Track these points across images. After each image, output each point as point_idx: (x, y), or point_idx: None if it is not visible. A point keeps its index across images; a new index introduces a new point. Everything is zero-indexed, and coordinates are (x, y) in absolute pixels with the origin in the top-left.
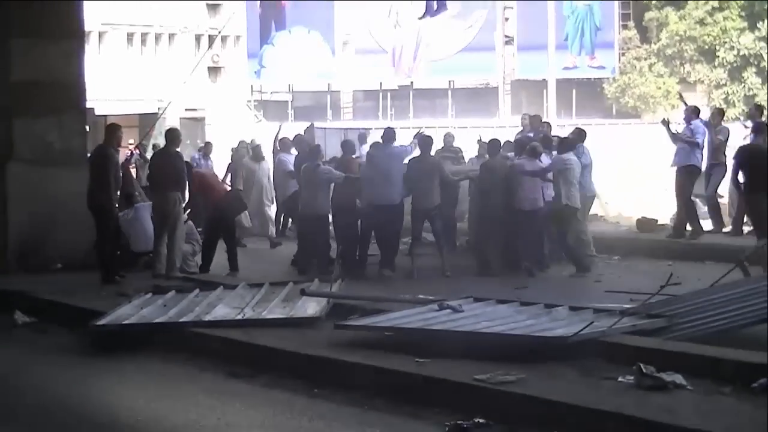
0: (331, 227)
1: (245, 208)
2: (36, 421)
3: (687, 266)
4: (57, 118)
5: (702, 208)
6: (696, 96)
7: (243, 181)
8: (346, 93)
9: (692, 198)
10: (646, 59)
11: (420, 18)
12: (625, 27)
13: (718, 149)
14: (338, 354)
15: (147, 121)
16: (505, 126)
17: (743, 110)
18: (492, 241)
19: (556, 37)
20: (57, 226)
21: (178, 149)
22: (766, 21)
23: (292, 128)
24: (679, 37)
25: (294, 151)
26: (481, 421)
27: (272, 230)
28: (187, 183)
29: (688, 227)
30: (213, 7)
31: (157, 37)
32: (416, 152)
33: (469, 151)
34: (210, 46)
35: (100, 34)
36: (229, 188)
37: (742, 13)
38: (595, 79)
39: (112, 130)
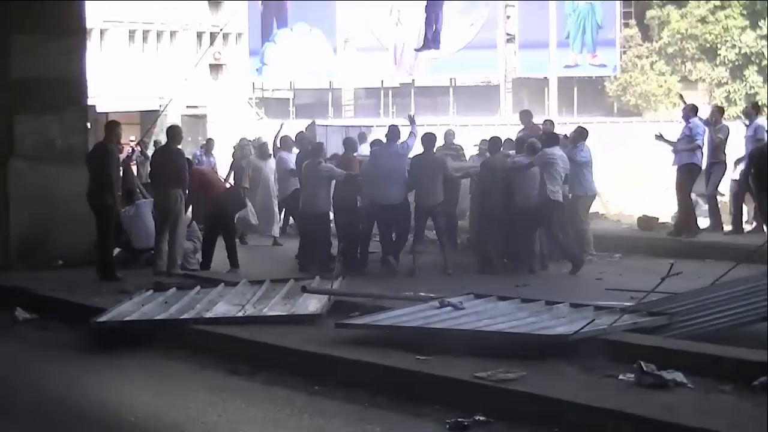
0: (332, 225)
1: (244, 206)
2: (36, 418)
3: (688, 264)
4: (58, 116)
5: (703, 207)
6: (697, 94)
7: (249, 178)
8: (347, 90)
9: (692, 196)
10: (647, 57)
11: (417, 50)
12: (626, 25)
13: (717, 148)
14: (339, 351)
15: (148, 119)
16: (507, 124)
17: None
18: (492, 238)
19: (558, 35)
20: (58, 223)
21: (180, 146)
22: (767, 19)
23: (294, 126)
24: (680, 36)
25: (295, 150)
26: (481, 418)
27: (276, 228)
28: (188, 180)
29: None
30: (215, 5)
31: (159, 34)
32: (419, 149)
33: (470, 148)
34: (212, 43)
35: (102, 32)
36: (228, 186)
37: (744, 12)
38: (596, 77)
39: (112, 127)
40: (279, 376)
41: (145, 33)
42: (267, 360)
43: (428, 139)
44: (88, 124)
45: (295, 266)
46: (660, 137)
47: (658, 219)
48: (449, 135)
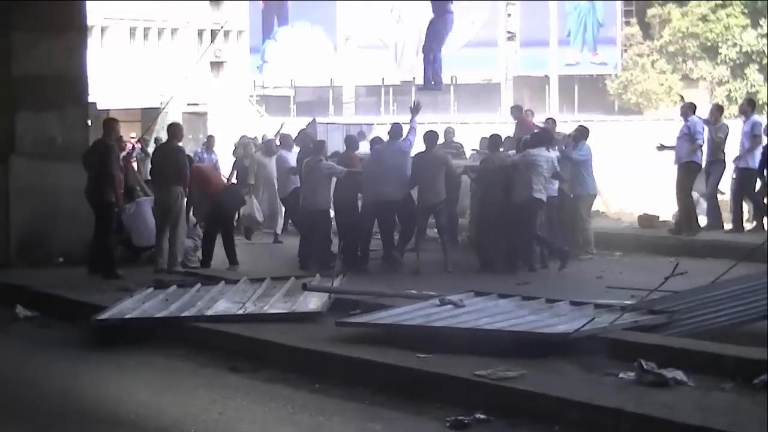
0: (333, 222)
1: (243, 204)
2: (37, 415)
3: (688, 262)
4: (59, 113)
5: (703, 205)
6: (698, 93)
7: (254, 175)
8: (348, 88)
9: (693, 195)
10: (648, 56)
11: (419, 89)
12: (627, 23)
13: (717, 146)
14: (340, 349)
15: (149, 116)
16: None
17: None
18: (492, 236)
19: (559, 33)
20: (59, 220)
21: (180, 144)
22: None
23: (294, 124)
24: (681, 34)
25: (295, 149)
26: (482, 416)
27: (280, 225)
28: (189, 177)
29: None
30: (215, 2)
31: (160, 31)
32: (420, 146)
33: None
34: (212, 40)
35: (103, 29)
36: (228, 183)
37: (745, 10)
38: (597, 75)
39: (110, 125)
40: (280, 373)
41: (146, 30)
42: (268, 358)
43: (430, 137)
44: (89, 122)
45: (295, 264)
46: (662, 147)
47: (658, 217)
48: (449, 133)
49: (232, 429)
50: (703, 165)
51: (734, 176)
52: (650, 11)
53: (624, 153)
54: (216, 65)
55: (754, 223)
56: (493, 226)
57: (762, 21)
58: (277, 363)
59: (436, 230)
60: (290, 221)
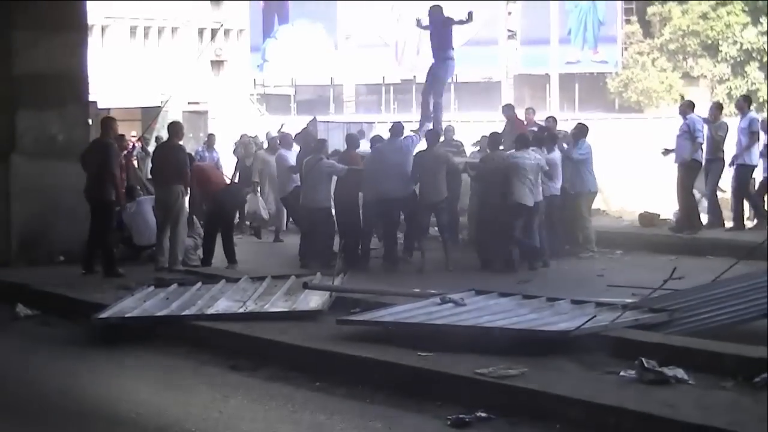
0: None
1: (244, 203)
2: (37, 414)
3: (689, 261)
4: (60, 111)
5: (705, 203)
6: (699, 91)
7: (258, 173)
8: (348, 87)
9: (695, 193)
10: (649, 54)
11: (413, 132)
12: (627, 21)
13: (716, 144)
14: (340, 347)
15: (149, 115)
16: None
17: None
18: (492, 235)
19: (559, 31)
20: (59, 218)
21: (181, 142)
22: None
23: (295, 122)
24: (682, 32)
25: (295, 147)
26: (483, 414)
27: (284, 223)
28: (189, 176)
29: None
30: (216, 1)
31: (160, 30)
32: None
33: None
34: (213, 39)
35: (103, 28)
36: (229, 182)
37: (746, 8)
38: (597, 73)
39: (108, 123)
40: (280, 372)
41: (147, 29)
42: (268, 356)
43: (432, 135)
44: (90, 120)
45: (296, 262)
46: (667, 152)
47: (659, 215)
48: (449, 131)
49: (232, 427)
50: (703, 163)
51: (733, 174)
52: (651, 9)
53: (625, 151)
54: (217, 64)
55: (755, 221)
56: (491, 225)
57: (762, 19)
58: (278, 361)
59: (436, 229)
60: (290, 220)
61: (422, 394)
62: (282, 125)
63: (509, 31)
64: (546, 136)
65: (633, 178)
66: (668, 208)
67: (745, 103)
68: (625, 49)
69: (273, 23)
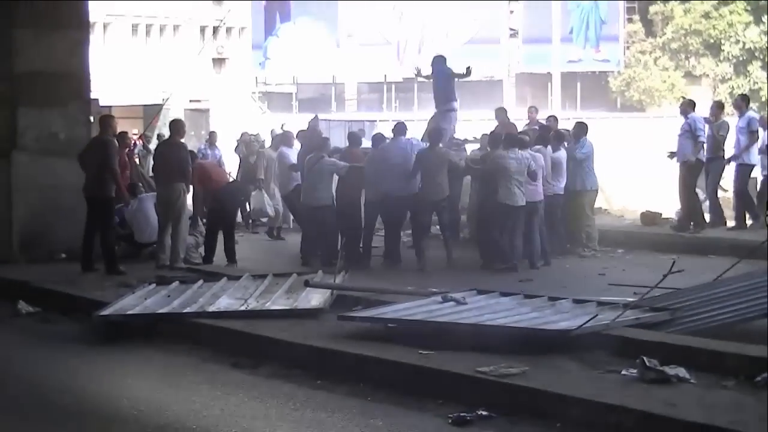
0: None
1: (245, 201)
2: (38, 411)
3: (691, 260)
4: (61, 109)
5: (706, 202)
6: (701, 90)
7: (264, 170)
8: (350, 85)
9: (699, 192)
10: (651, 53)
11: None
12: (630, 20)
13: (717, 143)
14: (341, 345)
15: (151, 112)
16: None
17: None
18: (491, 233)
19: (561, 30)
20: (61, 216)
21: (183, 140)
22: None
23: (296, 120)
24: (684, 31)
25: (297, 146)
26: (484, 413)
27: (288, 221)
28: (191, 174)
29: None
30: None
31: (162, 28)
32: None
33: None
34: (214, 37)
35: (105, 25)
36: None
37: (748, 7)
38: (599, 72)
39: (107, 121)
40: (281, 370)
41: (148, 27)
42: (269, 354)
43: (434, 134)
44: (91, 118)
45: (297, 260)
46: (672, 155)
47: (661, 214)
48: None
49: (233, 425)
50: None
51: (734, 173)
52: (653, 8)
53: (626, 150)
54: (218, 62)
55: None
56: (491, 223)
57: (764, 18)
58: (279, 359)
59: (438, 227)
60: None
61: (423, 392)
62: (282, 125)
63: (511, 29)
64: (552, 134)
65: (635, 177)
66: (670, 207)
67: (743, 102)
68: (627, 48)
69: (275, 21)
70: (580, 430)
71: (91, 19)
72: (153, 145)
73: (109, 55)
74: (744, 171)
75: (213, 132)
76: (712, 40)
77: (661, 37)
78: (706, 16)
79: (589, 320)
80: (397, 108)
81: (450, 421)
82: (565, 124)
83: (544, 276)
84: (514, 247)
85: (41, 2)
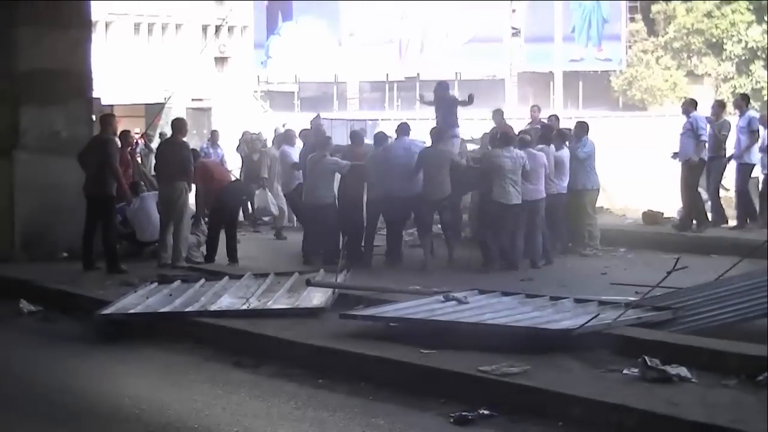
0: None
1: (247, 201)
2: (40, 410)
3: (692, 259)
4: (63, 107)
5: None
6: (703, 89)
7: (267, 169)
8: (352, 84)
9: (701, 191)
10: (653, 52)
11: None
12: (632, 19)
13: (719, 143)
14: (343, 344)
15: (153, 111)
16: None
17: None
18: (492, 232)
19: (563, 29)
20: (63, 215)
21: (185, 139)
22: None
23: (298, 119)
24: (686, 30)
25: (299, 144)
26: (485, 412)
27: (284, 220)
28: (193, 172)
29: (694, 220)
30: None
31: (164, 26)
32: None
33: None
34: (216, 36)
35: (107, 24)
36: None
37: (750, 7)
38: (601, 71)
39: (107, 120)
40: (283, 369)
41: (151, 25)
42: (271, 353)
43: (437, 132)
44: (93, 117)
45: (299, 259)
46: (676, 155)
47: (662, 213)
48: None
49: (235, 424)
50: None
51: (736, 173)
52: (655, 7)
53: (628, 149)
54: (220, 60)
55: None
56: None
57: (767, 17)
58: (281, 358)
59: (439, 226)
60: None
61: (425, 391)
62: (283, 125)
63: (513, 28)
64: (555, 133)
65: (637, 176)
66: (672, 206)
67: (743, 101)
68: (630, 47)
69: (277, 20)
70: (581, 429)
71: (93, 17)
72: (155, 144)
73: (111, 54)
74: (744, 170)
75: (215, 131)
76: (714, 40)
77: (663, 36)
78: (709, 15)
79: (590, 319)
80: (399, 107)
81: (452, 420)
82: (567, 123)
83: (545, 275)
84: (514, 246)
85: (43, 1)
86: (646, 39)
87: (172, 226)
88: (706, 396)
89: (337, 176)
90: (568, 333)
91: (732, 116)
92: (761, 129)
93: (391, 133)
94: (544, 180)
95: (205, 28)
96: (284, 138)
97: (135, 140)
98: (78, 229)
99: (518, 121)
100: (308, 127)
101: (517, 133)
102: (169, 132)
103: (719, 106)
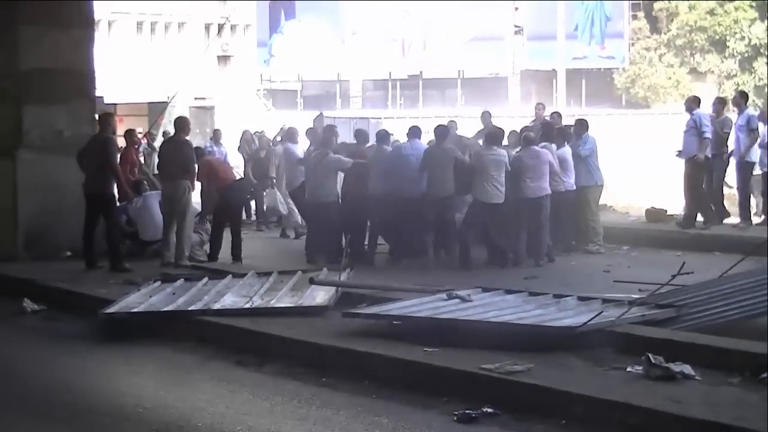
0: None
1: (250, 199)
2: (43, 409)
3: (696, 257)
4: (66, 106)
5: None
6: (706, 86)
7: (275, 168)
8: (355, 82)
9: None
10: (656, 50)
11: None
12: (635, 17)
13: (721, 140)
14: (347, 343)
15: (156, 110)
16: (515, 116)
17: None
18: (493, 231)
19: (566, 26)
20: (65, 214)
21: (188, 137)
22: None
23: (301, 117)
24: (689, 28)
25: (300, 141)
26: (489, 410)
27: (298, 218)
28: (196, 171)
29: (699, 217)
30: None
31: (167, 25)
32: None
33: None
34: (219, 34)
35: (110, 23)
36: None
37: (753, 4)
38: (604, 69)
39: (107, 119)
40: (286, 367)
41: (153, 24)
42: (274, 351)
43: (440, 131)
44: (96, 116)
45: (302, 258)
46: (680, 153)
47: (666, 211)
48: (452, 127)
49: (238, 423)
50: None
51: (737, 171)
52: (657, 5)
53: (632, 147)
54: (223, 59)
55: (763, 216)
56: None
57: None
58: (284, 357)
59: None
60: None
61: (428, 389)
62: (283, 126)
63: (516, 26)
64: (556, 131)
65: (640, 174)
66: (675, 203)
67: (742, 99)
68: (632, 44)
69: (279, 19)
70: (585, 427)
71: (96, 16)
72: (158, 143)
73: (114, 53)
74: (745, 168)
75: (217, 130)
76: (717, 37)
77: (666, 34)
78: (711, 12)
79: (594, 317)
80: (402, 105)
81: (455, 418)
82: (570, 120)
83: (548, 273)
84: (518, 243)
85: (46, 0)
86: (649, 37)
87: (175, 225)
88: (710, 394)
89: (341, 174)
90: (571, 331)
91: (732, 113)
92: (761, 126)
93: (393, 131)
94: (550, 177)
95: (207, 27)
96: (287, 135)
97: (139, 139)
98: (81, 228)
99: (521, 119)
100: (312, 125)
101: (520, 130)
102: (172, 131)
103: (720, 103)
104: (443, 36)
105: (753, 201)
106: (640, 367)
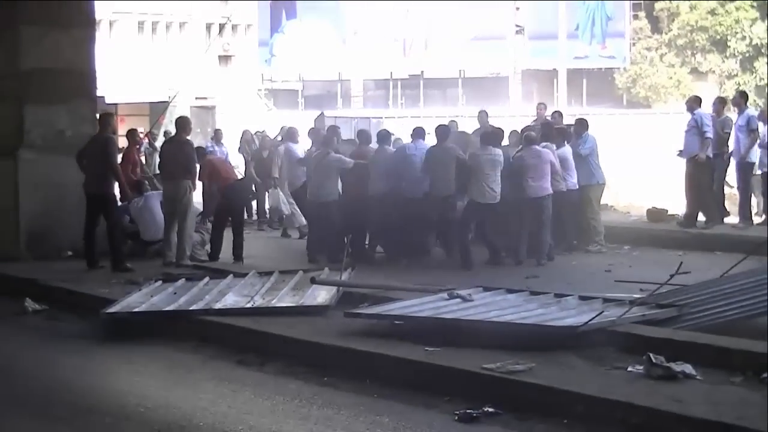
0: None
1: (251, 199)
2: (45, 408)
3: (697, 256)
4: (68, 106)
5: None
6: (707, 86)
7: (278, 168)
8: (356, 82)
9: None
10: (657, 49)
11: None
12: (636, 17)
13: (721, 140)
14: (348, 342)
15: (157, 110)
16: (516, 115)
17: (755, 101)
18: (496, 230)
19: (567, 26)
20: (67, 213)
21: (189, 137)
22: None
23: (303, 117)
24: (690, 27)
25: (301, 141)
26: (490, 410)
27: (302, 219)
28: (197, 170)
29: (701, 217)
30: None
31: (168, 25)
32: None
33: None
34: (220, 34)
35: (111, 23)
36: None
37: (754, 4)
38: (605, 68)
39: (106, 119)
40: (288, 367)
41: (154, 24)
42: (276, 351)
43: (442, 131)
44: (97, 115)
45: (304, 257)
46: (681, 153)
47: (667, 210)
48: (452, 126)
49: (240, 422)
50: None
51: (737, 171)
52: (658, 5)
53: (633, 147)
54: (224, 59)
55: (764, 216)
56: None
57: None
58: (286, 356)
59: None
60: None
61: (430, 389)
62: (282, 127)
63: (517, 26)
64: (555, 131)
65: (641, 174)
66: (676, 203)
67: (742, 99)
68: (633, 44)
69: (280, 18)
70: (586, 426)
71: (98, 16)
72: (159, 143)
73: (116, 53)
74: (745, 168)
75: (218, 129)
76: (718, 37)
77: (667, 34)
78: (712, 12)
79: (595, 317)
80: (403, 105)
81: (456, 417)
82: (571, 120)
83: (550, 272)
84: (519, 243)
85: (47, 0)
86: (650, 36)
87: (176, 225)
88: (712, 393)
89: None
90: (572, 330)
91: (732, 113)
92: (761, 126)
93: (394, 130)
94: (551, 177)
95: (209, 27)
96: (287, 135)
97: (140, 139)
98: (82, 227)
99: (522, 118)
100: (313, 125)
101: (521, 130)
102: (173, 131)
103: (720, 102)
104: (444, 36)
105: (753, 201)
106: (642, 367)
